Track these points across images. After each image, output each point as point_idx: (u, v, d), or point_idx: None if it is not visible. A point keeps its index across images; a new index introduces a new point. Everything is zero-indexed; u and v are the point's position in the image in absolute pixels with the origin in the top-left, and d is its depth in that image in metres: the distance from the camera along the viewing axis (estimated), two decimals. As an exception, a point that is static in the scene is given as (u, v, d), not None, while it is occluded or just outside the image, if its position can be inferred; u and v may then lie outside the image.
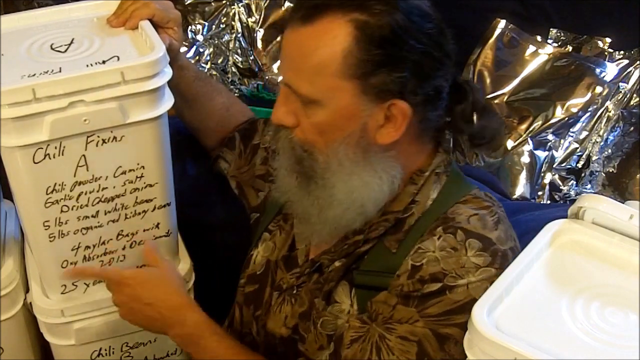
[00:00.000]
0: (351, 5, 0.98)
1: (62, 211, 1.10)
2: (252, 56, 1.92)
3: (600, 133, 1.57)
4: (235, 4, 1.91)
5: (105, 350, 1.27)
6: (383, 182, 1.06)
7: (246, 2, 1.90)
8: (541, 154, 1.59)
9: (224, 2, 1.91)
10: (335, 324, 1.09)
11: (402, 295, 1.02)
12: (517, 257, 0.93)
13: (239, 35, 1.92)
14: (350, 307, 1.08)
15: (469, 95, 1.09)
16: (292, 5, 1.09)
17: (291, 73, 1.03)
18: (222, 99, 1.41)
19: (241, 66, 1.93)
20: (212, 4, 1.91)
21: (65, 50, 1.11)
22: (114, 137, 1.06)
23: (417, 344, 0.99)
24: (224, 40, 1.92)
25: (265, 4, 1.90)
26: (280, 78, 1.03)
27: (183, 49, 1.58)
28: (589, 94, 1.57)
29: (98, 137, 1.05)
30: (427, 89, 1.03)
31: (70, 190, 1.08)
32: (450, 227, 1.03)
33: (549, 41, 1.61)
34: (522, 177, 1.59)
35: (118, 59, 1.06)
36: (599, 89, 1.57)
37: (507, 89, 1.62)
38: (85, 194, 1.10)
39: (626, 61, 1.56)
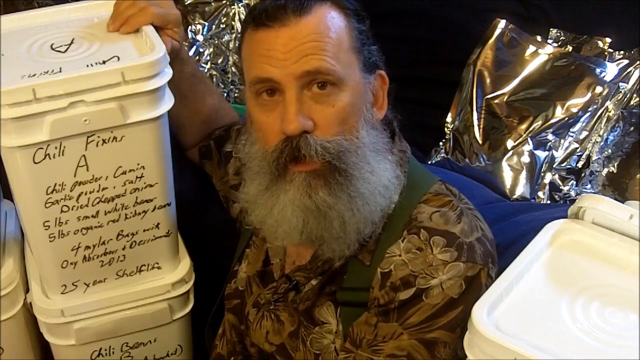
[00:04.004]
0: None
1: (62, 211, 1.10)
2: (252, 56, 1.91)
3: (600, 133, 1.57)
4: (235, 4, 1.91)
5: (105, 350, 1.27)
6: (395, 165, 1.07)
7: (246, 2, 1.90)
8: (541, 154, 1.59)
9: (224, 2, 1.91)
10: (321, 344, 1.08)
11: (381, 311, 1.01)
12: (517, 257, 0.93)
13: (239, 35, 1.92)
14: (336, 327, 1.07)
15: None
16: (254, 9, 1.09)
17: (313, 59, 0.99)
18: (213, 101, 1.38)
19: (241, 66, 1.93)
20: (212, 4, 1.91)
21: (66, 51, 1.11)
22: (114, 137, 1.06)
23: (407, 358, 0.99)
24: (224, 40, 1.92)
25: (265, 4, 1.90)
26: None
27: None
28: (589, 94, 1.57)
29: (98, 137, 1.05)
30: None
31: (71, 191, 1.08)
32: (414, 228, 1.02)
33: (549, 41, 1.61)
34: (522, 177, 1.58)
35: (118, 59, 1.06)
36: (599, 89, 1.56)
37: (507, 89, 1.62)
38: (86, 194, 1.10)
39: (626, 61, 1.56)
